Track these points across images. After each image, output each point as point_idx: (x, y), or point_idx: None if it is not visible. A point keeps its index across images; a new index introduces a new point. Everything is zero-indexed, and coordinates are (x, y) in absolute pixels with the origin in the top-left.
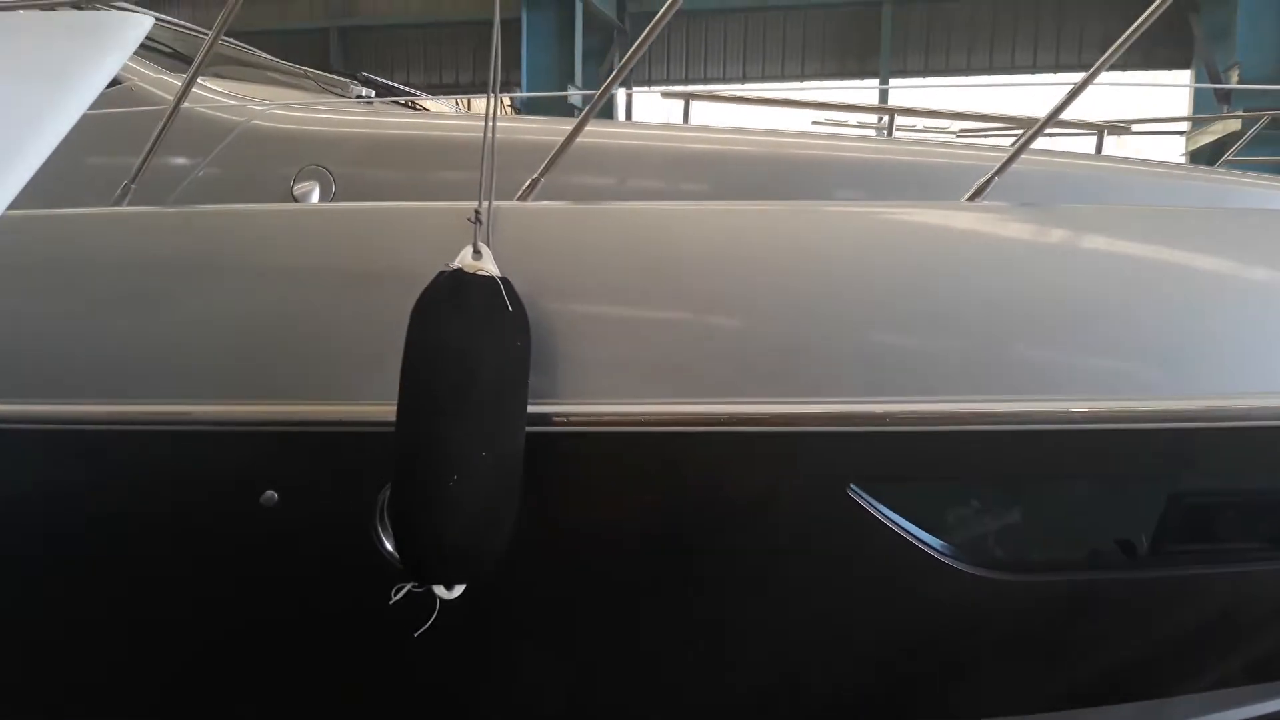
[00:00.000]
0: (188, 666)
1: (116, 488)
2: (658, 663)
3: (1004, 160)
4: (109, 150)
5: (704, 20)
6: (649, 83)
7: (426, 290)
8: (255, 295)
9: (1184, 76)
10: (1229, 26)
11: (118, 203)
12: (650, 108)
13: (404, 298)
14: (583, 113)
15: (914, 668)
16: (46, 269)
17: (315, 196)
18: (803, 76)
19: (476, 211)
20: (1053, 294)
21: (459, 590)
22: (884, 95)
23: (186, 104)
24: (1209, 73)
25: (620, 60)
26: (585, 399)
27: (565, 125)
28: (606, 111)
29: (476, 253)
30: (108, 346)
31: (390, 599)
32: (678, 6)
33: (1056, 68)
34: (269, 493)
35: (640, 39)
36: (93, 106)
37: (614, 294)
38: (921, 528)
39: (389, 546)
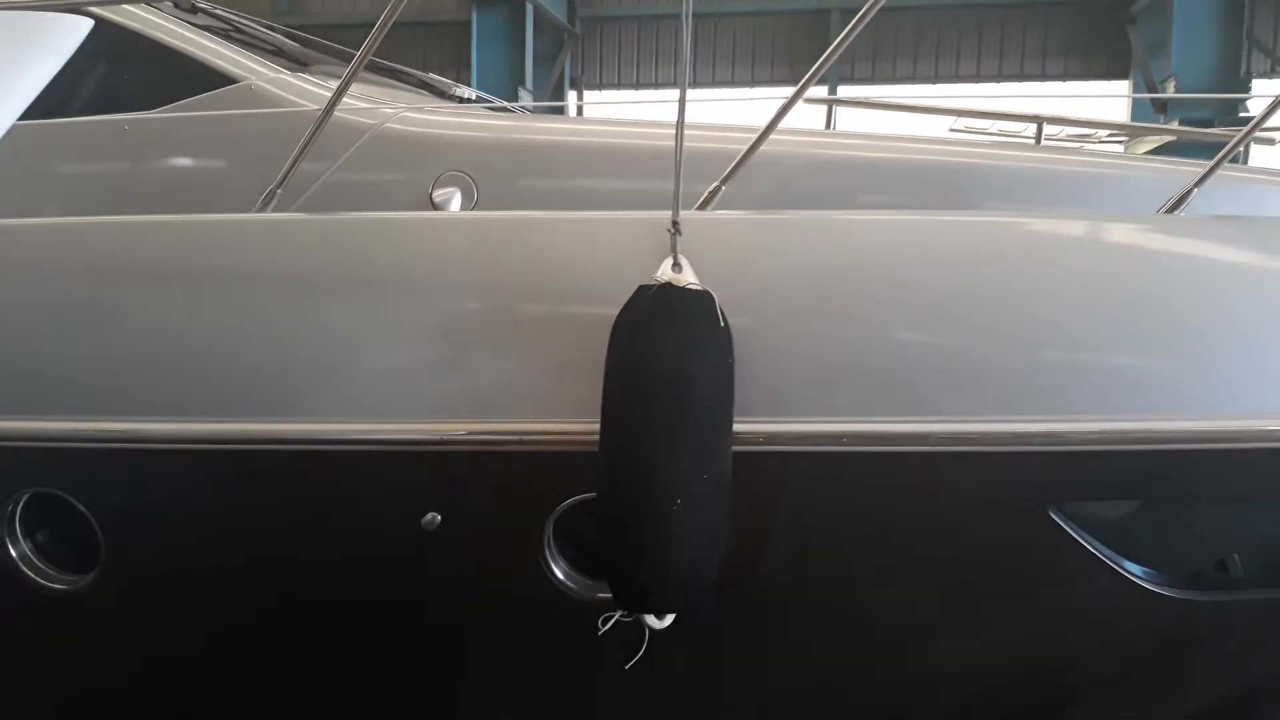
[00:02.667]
0: (348, 689)
1: (276, 508)
2: (855, 677)
3: (1203, 173)
4: (228, 151)
5: (654, 25)
6: (600, 86)
7: (631, 306)
8: (417, 309)
9: (1122, 87)
10: (1165, 39)
11: (263, 208)
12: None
13: (583, 311)
14: (770, 119)
15: (1107, 690)
16: (188, 277)
17: (456, 204)
18: (752, 83)
19: (675, 222)
20: (1265, 310)
21: (669, 620)
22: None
23: (314, 107)
24: (1146, 83)
25: (570, 65)
26: (780, 417)
27: (736, 133)
28: (559, 111)
29: (677, 265)
30: (258, 360)
31: (599, 629)
32: (880, 5)
33: (999, 76)
34: (431, 514)
35: (842, 35)
36: (208, 106)
37: (805, 307)
38: (1121, 550)
39: (557, 572)
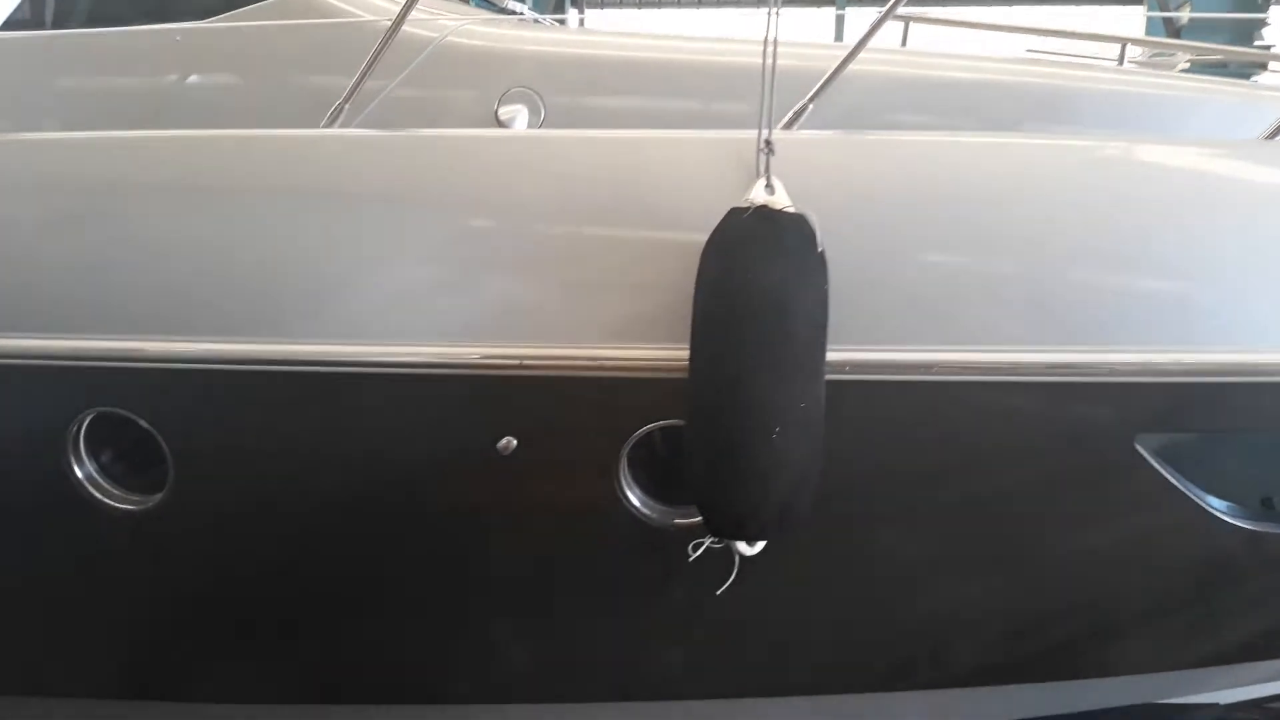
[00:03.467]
0: (415, 612)
1: (350, 430)
2: (940, 600)
3: None
4: (283, 62)
5: None
6: (601, 5)
7: (724, 230)
8: (494, 231)
9: (1138, 11)
10: None
11: (330, 124)
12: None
13: (667, 234)
14: (861, 37)
15: (1179, 615)
16: (255, 193)
17: (522, 121)
18: (758, 2)
19: (768, 141)
20: None
21: (760, 546)
22: (840, 21)
23: (370, 16)
24: (1161, 6)
25: None
26: (868, 345)
27: (822, 50)
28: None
29: (770, 186)
30: (329, 280)
31: (689, 556)
32: None
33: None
34: (507, 439)
35: None
36: (262, 15)
37: (894, 232)
38: (1201, 483)
39: (633, 499)
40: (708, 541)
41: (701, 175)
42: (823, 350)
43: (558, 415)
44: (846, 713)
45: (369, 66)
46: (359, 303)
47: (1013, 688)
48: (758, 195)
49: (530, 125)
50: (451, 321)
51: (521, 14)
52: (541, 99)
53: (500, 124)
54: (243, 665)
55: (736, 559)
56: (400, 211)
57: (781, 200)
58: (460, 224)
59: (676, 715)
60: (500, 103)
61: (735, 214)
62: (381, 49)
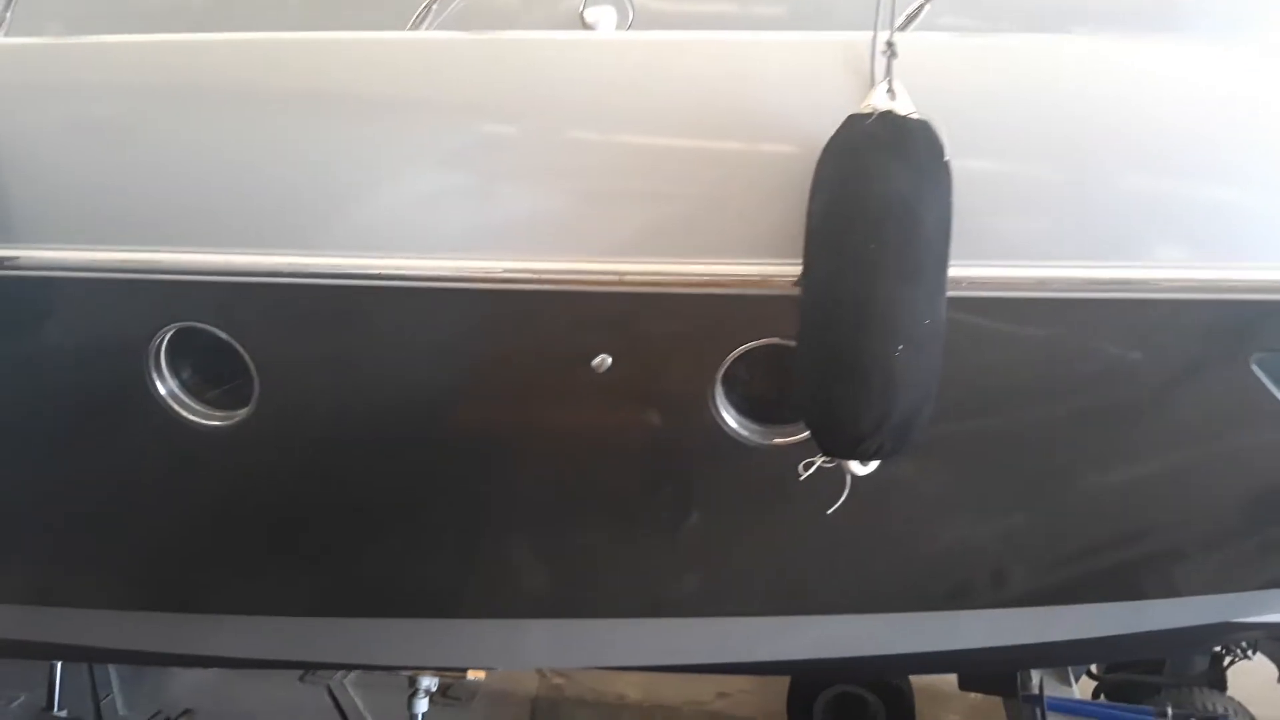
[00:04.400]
0: (503, 529)
1: (440, 345)
2: (1051, 518)
3: None
4: None
5: None
6: None
7: (844, 137)
8: (586, 139)
9: None
10: None
11: (415, 27)
12: None
13: (772, 143)
14: None
15: (1257, 536)
16: (340, 100)
17: (610, 23)
18: None
19: (889, 43)
20: None
21: (873, 466)
22: None
23: None
24: None
25: None
26: (987, 260)
27: None
28: None
29: (892, 91)
30: (419, 192)
31: (800, 475)
32: None
33: None
34: (602, 356)
35: None
36: None
37: (1017, 139)
38: None
39: (728, 418)
40: (819, 461)
41: (811, 80)
42: (946, 264)
43: (653, 333)
44: (914, 630)
45: None
46: (449, 217)
47: (1081, 607)
48: (880, 100)
49: (619, 28)
50: (543, 236)
51: None
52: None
53: (586, 26)
54: (328, 578)
55: (848, 479)
56: (485, 122)
57: (904, 105)
58: (548, 135)
59: (745, 631)
60: (586, 3)
61: (856, 120)
62: None
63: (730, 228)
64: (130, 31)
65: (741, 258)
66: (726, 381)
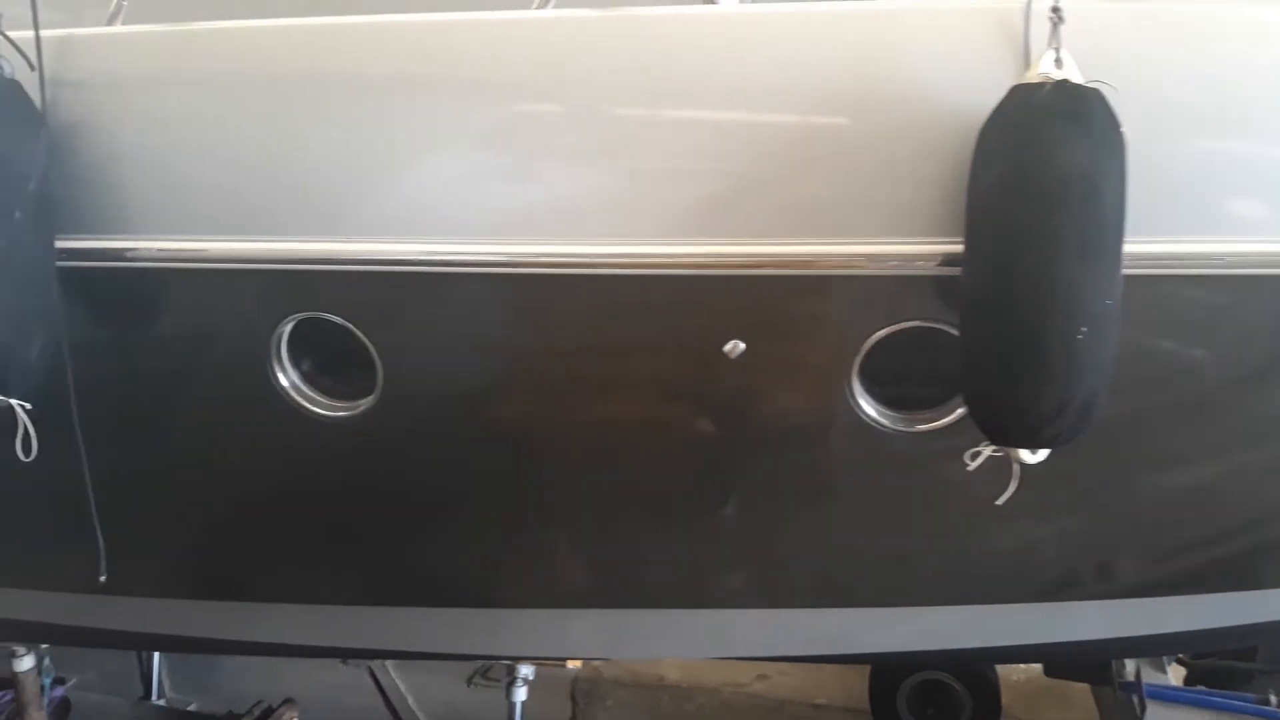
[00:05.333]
0: (630, 517)
1: (567, 331)
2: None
3: None
4: None
5: None
6: None
7: (1010, 108)
8: (722, 118)
9: None
10: None
11: (543, 5)
12: None
13: (918, 116)
14: None
15: None
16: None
17: None
18: None
19: (1056, 9)
20: None
21: (1043, 455)
22: None
23: None
24: None
25: None
26: (1153, 236)
27: None
28: None
29: (1059, 60)
30: (546, 176)
31: (967, 464)
32: None
33: None
34: (735, 341)
35: None
36: None
37: (1186, 110)
38: None
39: (865, 406)
40: (988, 450)
41: (957, 50)
42: (1123, 239)
43: (789, 317)
44: (1026, 620)
45: None
46: (570, 199)
47: (1194, 598)
48: (1048, 69)
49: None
50: (673, 218)
51: None
52: None
53: None
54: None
55: (1015, 468)
56: (616, 104)
57: (1073, 74)
58: (680, 116)
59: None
60: None
61: (1025, 91)
62: None
63: (870, 206)
64: (249, 17)
65: (882, 237)
66: (864, 367)
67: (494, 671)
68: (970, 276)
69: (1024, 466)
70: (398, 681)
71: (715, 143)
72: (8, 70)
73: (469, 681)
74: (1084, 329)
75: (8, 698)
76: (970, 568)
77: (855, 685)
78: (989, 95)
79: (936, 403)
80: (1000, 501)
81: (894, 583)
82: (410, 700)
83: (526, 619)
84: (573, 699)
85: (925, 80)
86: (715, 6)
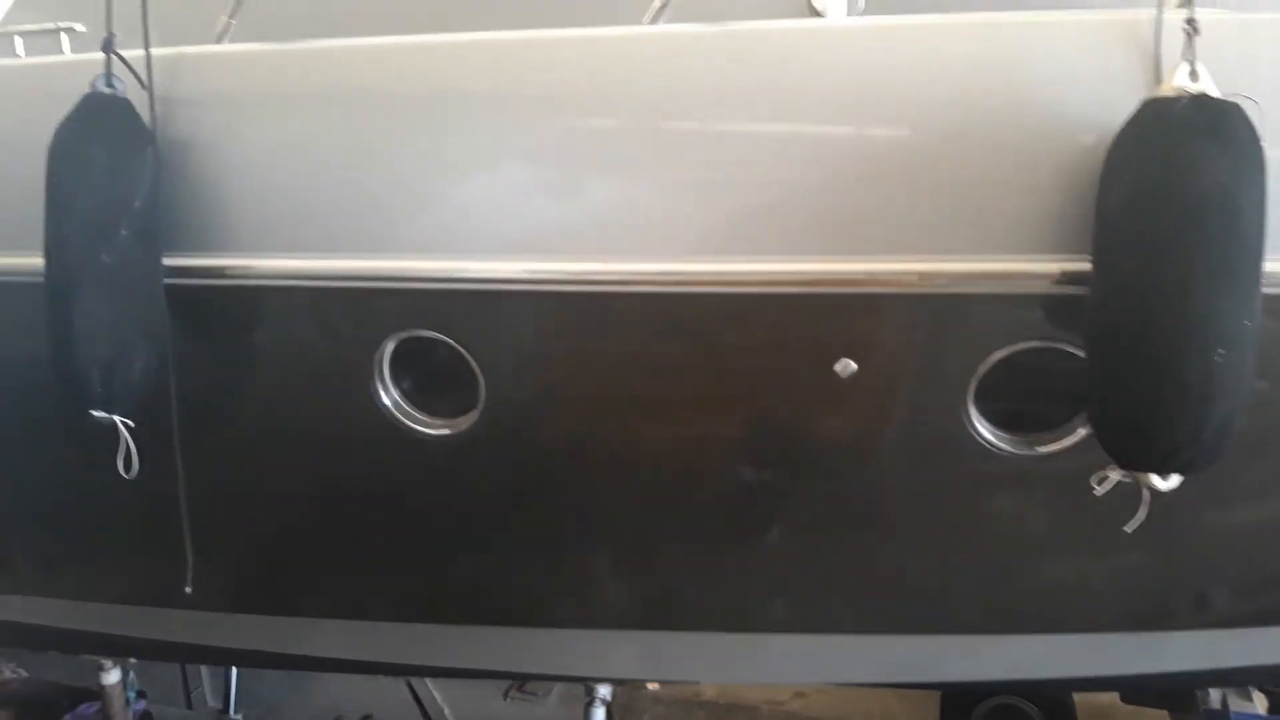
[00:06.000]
0: (745, 535)
1: (671, 349)
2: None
3: None
4: None
5: None
6: None
7: (1144, 122)
8: (833, 133)
9: None
10: None
11: (655, 20)
12: None
13: (1041, 130)
14: None
15: None
16: (579, 100)
17: (839, 7)
18: None
19: (1190, 20)
20: None
21: (1175, 481)
22: None
23: None
24: None
25: None
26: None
27: None
28: None
29: (1194, 73)
30: (652, 193)
31: (1094, 489)
32: None
33: None
34: (845, 360)
35: None
36: None
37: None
38: None
39: (980, 429)
40: (1116, 475)
41: (1083, 62)
42: (1261, 259)
43: (903, 336)
44: (1115, 649)
45: None
46: (689, 217)
47: None
48: (1183, 82)
49: (850, 11)
50: (785, 236)
51: None
52: None
53: (812, 10)
54: (563, 587)
55: (1146, 494)
56: (726, 118)
57: (1209, 87)
58: (791, 130)
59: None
60: None
61: (1159, 105)
62: None
63: (988, 222)
64: (355, 35)
65: (1000, 254)
66: (980, 387)
67: (530, 685)
68: (1100, 295)
69: (1154, 492)
70: (435, 693)
71: (833, 160)
72: (120, 88)
73: (505, 695)
74: (1222, 351)
75: (93, 710)
76: (1061, 594)
77: (915, 707)
78: (1114, 109)
79: (1053, 424)
80: (1130, 529)
81: (983, 609)
82: (447, 712)
83: (616, 639)
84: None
85: (1046, 93)
86: (824, 20)
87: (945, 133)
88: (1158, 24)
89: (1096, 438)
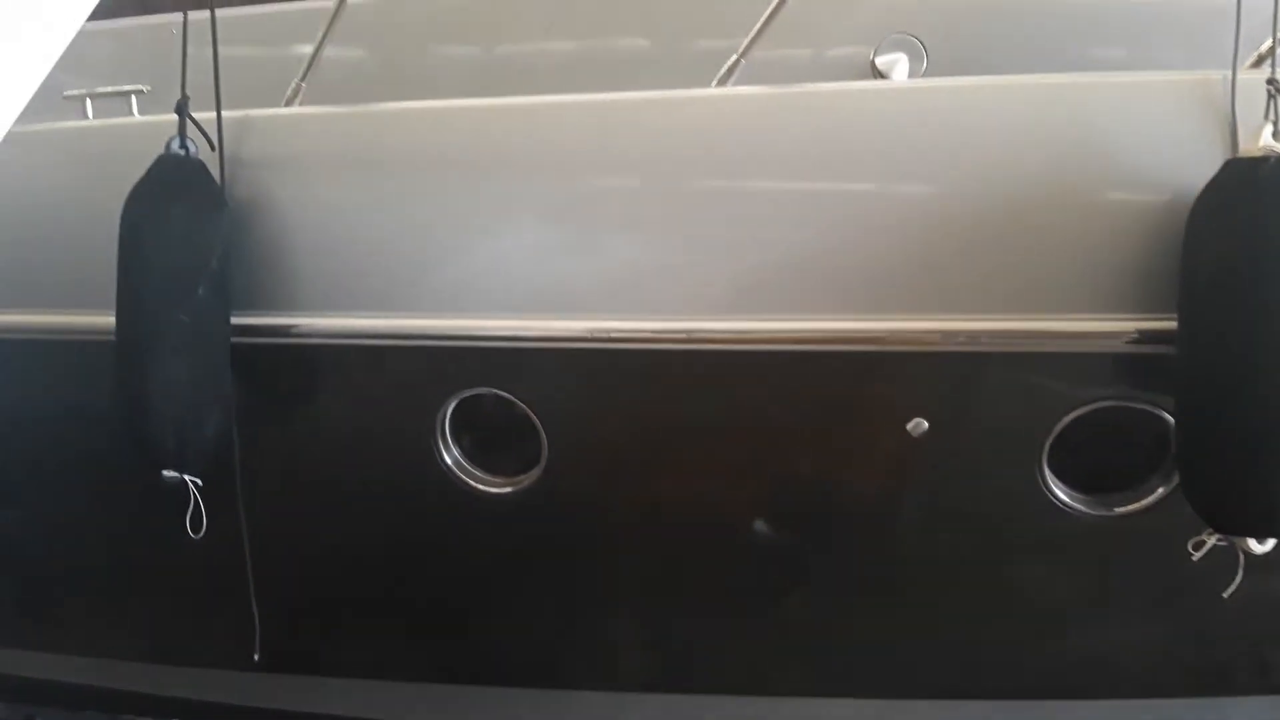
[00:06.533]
0: (811, 597)
1: (742, 408)
2: None
3: None
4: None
5: None
6: None
7: (1228, 183)
8: (904, 191)
9: None
10: None
11: (724, 82)
12: None
13: (1118, 191)
14: None
15: None
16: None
17: (903, 70)
18: None
19: (1273, 80)
20: None
21: (1271, 544)
22: None
23: None
24: None
25: None
26: None
27: None
28: None
29: (1278, 133)
30: (721, 250)
31: (1190, 554)
32: None
33: None
34: (918, 420)
35: None
36: None
37: None
38: None
39: (1056, 490)
40: (1212, 539)
41: (1156, 123)
42: None
43: (977, 396)
44: (1182, 715)
45: (765, 24)
46: (748, 273)
47: None
48: (1268, 142)
49: (911, 73)
50: (853, 293)
51: None
52: (924, 45)
53: (877, 73)
54: (628, 648)
55: (1242, 557)
56: (795, 178)
57: None
58: (862, 190)
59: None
60: (877, 51)
61: (1243, 165)
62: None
63: (1060, 281)
64: (422, 98)
65: (1073, 312)
66: (1055, 447)
67: None
68: (1190, 357)
69: (1249, 556)
70: None
71: (909, 219)
72: (193, 150)
73: None
74: None
75: None
76: (1132, 657)
77: None
78: (1186, 169)
79: (1129, 483)
80: (1227, 594)
81: (1051, 671)
82: None
83: (703, 703)
84: None
85: (1120, 153)
86: (890, 82)
87: (1017, 193)
88: (1232, 84)
89: (1188, 500)
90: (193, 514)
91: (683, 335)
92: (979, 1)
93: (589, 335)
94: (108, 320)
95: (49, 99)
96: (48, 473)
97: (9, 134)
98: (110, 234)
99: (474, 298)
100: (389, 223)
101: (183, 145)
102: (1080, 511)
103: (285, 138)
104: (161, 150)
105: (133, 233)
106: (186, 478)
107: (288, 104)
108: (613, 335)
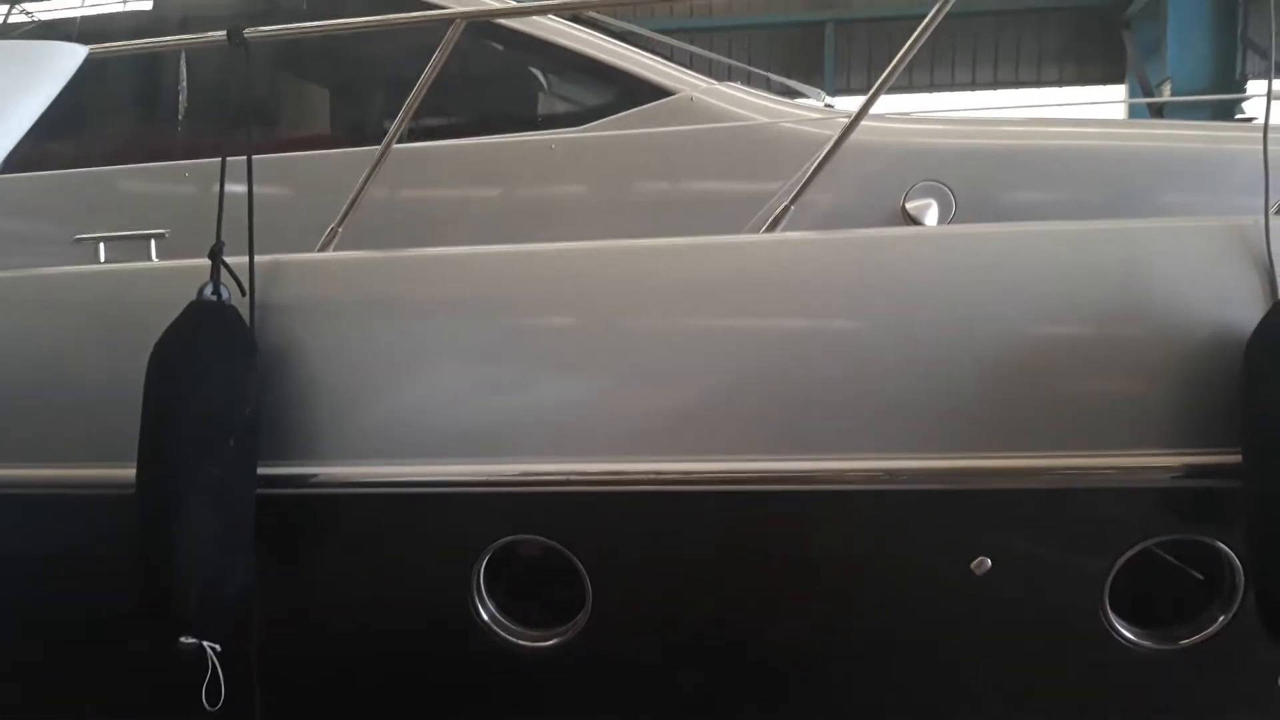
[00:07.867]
0: None
1: (800, 552)
2: None
3: None
4: (671, 166)
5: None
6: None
7: (1276, 324)
8: (958, 330)
9: (1118, 91)
10: (1160, 42)
11: (757, 228)
12: None
13: (1169, 331)
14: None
15: None
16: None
17: (933, 216)
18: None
19: None
20: None
21: None
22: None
23: (764, 119)
24: (1142, 87)
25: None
26: None
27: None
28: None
29: None
30: (767, 393)
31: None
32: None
33: (995, 84)
34: (981, 558)
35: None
36: (647, 120)
37: None
38: None
39: (1118, 625)
40: None
41: (1196, 265)
42: None
43: (1040, 533)
44: None
45: (816, 169)
46: (791, 415)
47: None
48: None
49: (941, 220)
50: (918, 433)
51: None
52: (952, 192)
53: (908, 219)
54: None
55: None
56: (847, 316)
57: None
58: (924, 333)
59: None
60: (906, 198)
61: None
62: (833, 150)
63: (1115, 418)
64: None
65: (1134, 450)
66: (1115, 582)
67: None
68: (1258, 490)
69: None
70: None
71: (966, 360)
72: (225, 295)
73: None
74: None
75: None
76: None
77: None
78: (1231, 310)
79: (1188, 615)
80: None
81: None
82: None
83: None
84: None
85: (1164, 295)
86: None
87: (1065, 333)
88: (1266, 227)
89: (1268, 632)
90: (209, 684)
91: (725, 477)
92: (1002, 151)
93: (630, 478)
94: (121, 473)
95: (59, 243)
96: (51, 639)
97: (23, 276)
98: (128, 381)
99: (509, 443)
100: (419, 369)
101: (215, 291)
102: (1144, 646)
103: (311, 282)
104: (193, 296)
105: (163, 381)
106: (205, 644)
107: (322, 249)
108: (665, 477)
